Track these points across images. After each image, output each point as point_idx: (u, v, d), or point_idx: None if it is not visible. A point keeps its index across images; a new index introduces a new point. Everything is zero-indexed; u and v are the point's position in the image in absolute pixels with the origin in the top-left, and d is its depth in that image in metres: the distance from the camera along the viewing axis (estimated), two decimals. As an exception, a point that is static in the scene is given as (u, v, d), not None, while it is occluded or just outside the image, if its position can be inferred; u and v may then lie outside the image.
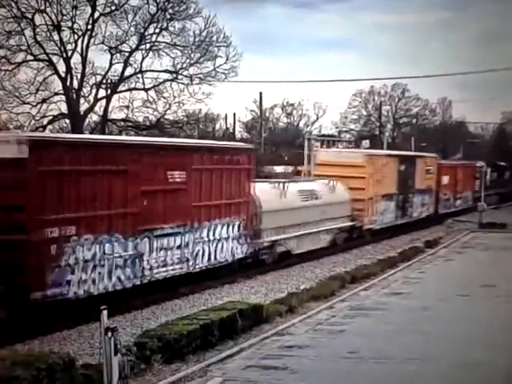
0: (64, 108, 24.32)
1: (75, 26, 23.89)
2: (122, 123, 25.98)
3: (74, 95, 24.31)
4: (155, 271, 13.27)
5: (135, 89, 25.25)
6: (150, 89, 25.05)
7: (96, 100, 24.80)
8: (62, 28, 23.83)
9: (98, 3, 24.05)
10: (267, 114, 62.81)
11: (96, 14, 24.15)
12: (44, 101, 24.02)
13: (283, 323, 12.30)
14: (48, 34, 23.80)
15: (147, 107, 25.30)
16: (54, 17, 23.74)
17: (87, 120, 25.95)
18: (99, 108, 25.06)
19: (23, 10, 23.31)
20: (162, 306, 13.59)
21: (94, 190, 11.59)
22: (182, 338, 9.93)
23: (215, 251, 15.03)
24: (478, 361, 9.92)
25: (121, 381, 7.09)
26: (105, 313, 7.02)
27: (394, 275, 18.56)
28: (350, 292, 15.66)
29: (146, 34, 24.71)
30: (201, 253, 14.54)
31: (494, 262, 21.52)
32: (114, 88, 25.04)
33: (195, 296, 14.63)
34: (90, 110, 24.98)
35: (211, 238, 14.83)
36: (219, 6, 30.18)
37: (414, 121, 63.11)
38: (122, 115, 25.50)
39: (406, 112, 63.95)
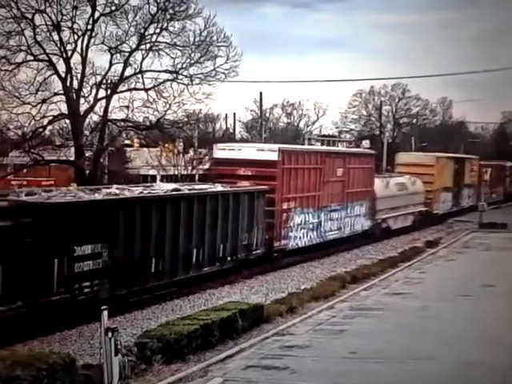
0: (64, 108, 24.21)
1: (75, 26, 23.79)
2: (122, 123, 25.89)
3: (74, 95, 24.21)
4: (327, 234, 21.40)
5: (135, 89, 25.15)
6: (150, 89, 24.94)
7: (96, 100, 24.71)
8: (62, 28, 23.73)
9: (98, 3, 23.97)
10: (267, 114, 62.77)
11: (96, 14, 24.09)
12: (44, 101, 23.90)
13: (284, 323, 12.29)
14: (48, 35, 23.69)
15: (147, 107, 25.17)
16: (53, 17, 23.63)
17: (87, 120, 25.89)
18: (99, 108, 24.96)
19: (23, 10, 23.23)
20: (162, 306, 13.58)
21: (303, 179, 19.63)
22: (183, 338, 9.92)
23: (354, 223, 23.08)
24: (479, 362, 9.90)
25: (121, 381, 7.09)
26: (105, 313, 7.00)
27: (395, 275, 18.55)
28: (351, 292, 15.64)
29: (146, 34, 24.62)
30: (347, 224, 22.61)
31: (494, 262, 21.51)
32: (113, 88, 24.95)
33: (195, 296, 14.62)
34: (90, 110, 24.89)
35: (353, 214, 22.93)
36: (216, 5, 30.13)
37: (415, 121, 63.06)
38: (122, 115, 25.38)
39: (406, 112, 63.87)
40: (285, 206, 18.72)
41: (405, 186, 28.32)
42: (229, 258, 16.17)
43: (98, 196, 13.07)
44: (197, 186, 16.78)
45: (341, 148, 28.08)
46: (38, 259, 10.82)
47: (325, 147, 25.48)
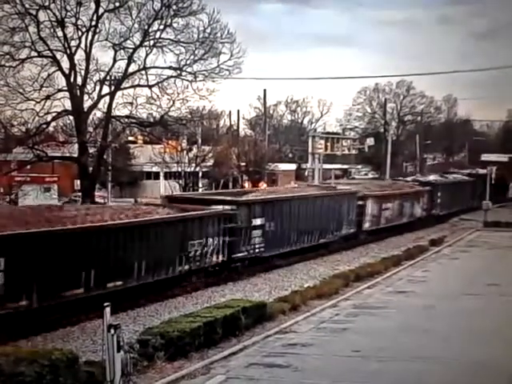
0: (68, 104, 24.25)
1: (79, 22, 23.79)
2: (126, 120, 25.89)
3: (78, 92, 24.23)
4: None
5: (139, 85, 25.14)
6: (153, 85, 24.93)
7: (100, 97, 24.71)
8: (66, 24, 23.74)
9: (102, 0, 24.00)
10: (271, 111, 62.66)
11: (100, 11, 24.08)
12: (48, 97, 23.92)
13: (286, 321, 12.25)
14: (52, 31, 23.71)
15: (151, 104, 25.16)
16: (57, 13, 23.64)
17: (91, 116, 25.91)
18: (103, 105, 24.98)
19: (27, 6, 23.24)
20: (165, 303, 13.57)
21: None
22: (185, 335, 9.90)
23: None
24: (484, 361, 9.85)
25: (124, 378, 7.06)
26: (108, 310, 6.98)
27: (399, 273, 18.49)
28: (354, 290, 15.60)
29: (150, 30, 24.60)
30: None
31: (499, 260, 21.41)
32: (117, 85, 24.95)
33: (198, 293, 14.60)
34: (94, 106, 24.89)
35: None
36: (216, 1, 29.84)
37: (419, 118, 62.87)
38: (125, 112, 25.40)
39: (410, 109, 63.66)
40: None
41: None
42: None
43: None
44: None
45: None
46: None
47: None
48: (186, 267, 14.54)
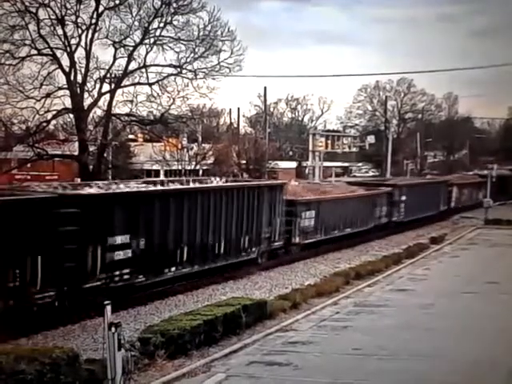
0: (68, 102, 24.21)
1: (79, 20, 23.74)
2: (126, 118, 25.86)
3: (78, 90, 24.20)
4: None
5: (139, 83, 25.10)
6: (154, 83, 24.88)
7: (100, 94, 24.68)
8: (66, 22, 23.69)
9: (102, -3, 23.95)
10: (272, 109, 62.63)
11: (100, 8, 24.04)
12: (48, 95, 23.88)
13: (287, 319, 12.25)
14: (52, 29, 23.66)
15: (151, 102, 25.12)
16: (57, 11, 23.59)
17: (91, 115, 25.88)
18: (103, 102, 24.94)
19: (27, 4, 23.18)
20: (165, 301, 13.57)
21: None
22: (186, 333, 9.90)
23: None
24: (483, 359, 9.85)
25: (124, 376, 7.07)
26: (108, 308, 6.98)
27: (399, 272, 18.49)
28: (355, 288, 15.60)
29: (150, 28, 24.55)
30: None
31: (499, 258, 21.41)
32: (117, 82, 24.91)
33: (199, 291, 14.60)
34: (94, 104, 24.86)
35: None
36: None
37: (420, 116, 62.79)
38: (126, 110, 25.35)
39: (411, 107, 63.56)
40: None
41: None
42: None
43: None
44: None
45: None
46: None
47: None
48: (373, 224, 25.24)
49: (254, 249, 17.00)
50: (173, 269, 14.05)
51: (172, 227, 13.94)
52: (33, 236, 10.63)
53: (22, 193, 12.00)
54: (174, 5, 24.65)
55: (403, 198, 27.98)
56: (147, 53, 24.59)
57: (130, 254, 12.62)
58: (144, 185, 15.45)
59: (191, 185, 16.80)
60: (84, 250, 11.69)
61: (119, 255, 12.39)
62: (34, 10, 23.39)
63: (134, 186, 15.08)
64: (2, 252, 10.24)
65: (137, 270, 12.81)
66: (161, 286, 13.88)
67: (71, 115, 25.17)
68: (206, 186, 16.85)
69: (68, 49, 23.91)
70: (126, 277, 12.59)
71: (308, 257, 19.95)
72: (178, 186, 16.11)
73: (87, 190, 13.30)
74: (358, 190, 26.09)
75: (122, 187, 14.44)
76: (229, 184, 18.05)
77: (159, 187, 15.48)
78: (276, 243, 18.26)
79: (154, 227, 13.44)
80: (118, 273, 12.41)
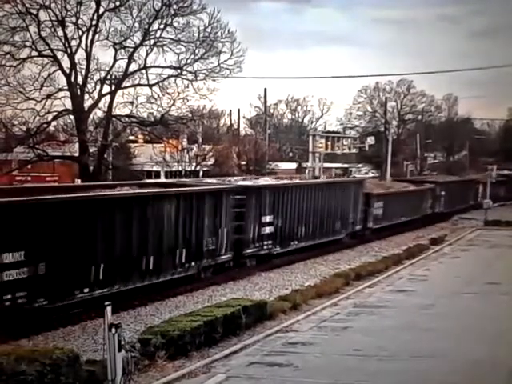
0: (68, 104, 24.28)
1: (80, 21, 23.83)
2: (127, 119, 25.92)
3: (79, 91, 24.25)
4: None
5: (139, 85, 25.17)
6: (154, 85, 24.96)
7: (100, 96, 24.74)
8: (67, 24, 23.78)
9: (102, -1, 24.00)
10: (272, 110, 62.63)
11: (100, 10, 24.09)
12: (48, 97, 23.95)
13: (287, 320, 12.26)
14: (52, 30, 23.73)
15: (151, 103, 25.21)
16: (58, 12, 23.67)
17: (91, 116, 25.93)
18: (103, 104, 25.02)
19: (28, 5, 23.27)
20: (165, 302, 13.58)
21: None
22: (186, 334, 9.91)
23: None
24: (483, 359, 9.86)
25: (125, 377, 7.07)
26: (109, 309, 6.99)
27: (399, 272, 18.50)
28: (355, 289, 15.60)
29: (151, 29, 24.63)
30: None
31: (499, 259, 21.42)
32: (118, 84, 24.98)
33: (199, 292, 14.61)
34: (95, 105, 24.92)
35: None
36: (218, 0, 29.78)
37: (420, 117, 62.78)
38: (126, 111, 25.44)
39: (411, 108, 63.55)
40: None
41: None
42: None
43: None
44: None
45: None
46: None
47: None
48: (420, 215, 30.39)
49: (358, 227, 24.26)
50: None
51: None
52: (222, 214, 15.75)
53: (210, 185, 17.61)
54: (175, 6, 24.74)
55: (443, 193, 34.17)
56: (147, 54, 24.69)
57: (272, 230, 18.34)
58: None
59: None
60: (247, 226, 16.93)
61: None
62: (34, 12, 23.47)
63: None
64: (211, 226, 15.36)
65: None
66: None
67: (71, 116, 25.22)
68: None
69: (68, 50, 23.97)
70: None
71: (308, 258, 19.99)
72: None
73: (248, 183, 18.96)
74: (409, 186, 32.10)
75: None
76: (329, 180, 27.45)
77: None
78: (357, 227, 24.32)
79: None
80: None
